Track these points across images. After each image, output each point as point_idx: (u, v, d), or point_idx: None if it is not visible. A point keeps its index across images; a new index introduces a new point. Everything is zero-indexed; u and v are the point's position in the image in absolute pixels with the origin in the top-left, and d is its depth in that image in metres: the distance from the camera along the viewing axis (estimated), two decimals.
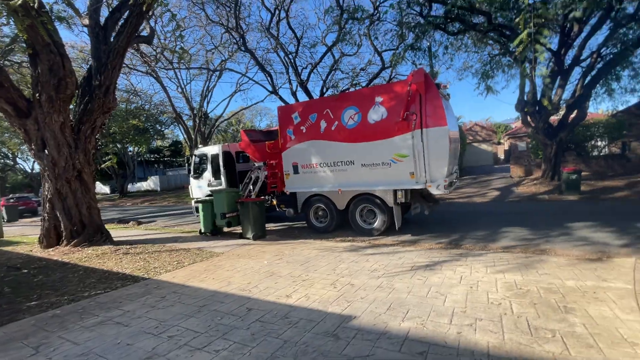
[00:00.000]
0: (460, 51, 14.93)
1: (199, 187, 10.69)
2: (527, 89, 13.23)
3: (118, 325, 3.52)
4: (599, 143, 17.14)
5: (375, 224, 7.48)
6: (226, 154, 10.10)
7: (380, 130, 7.03)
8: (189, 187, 11.41)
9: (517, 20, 6.43)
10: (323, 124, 7.73)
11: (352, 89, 19.99)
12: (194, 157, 10.89)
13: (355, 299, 3.81)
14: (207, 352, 2.83)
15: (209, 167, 10.29)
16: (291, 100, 19.76)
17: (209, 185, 10.29)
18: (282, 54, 18.84)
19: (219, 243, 7.68)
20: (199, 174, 10.64)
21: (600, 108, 26.47)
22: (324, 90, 19.73)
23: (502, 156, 32.66)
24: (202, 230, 8.83)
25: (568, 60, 12.73)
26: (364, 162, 7.32)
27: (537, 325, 2.92)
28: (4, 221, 15.49)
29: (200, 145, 15.42)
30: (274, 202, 9.08)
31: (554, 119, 14.68)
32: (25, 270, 6.27)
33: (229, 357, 2.73)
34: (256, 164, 9.29)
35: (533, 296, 3.54)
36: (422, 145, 6.64)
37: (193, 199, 11.09)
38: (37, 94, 7.15)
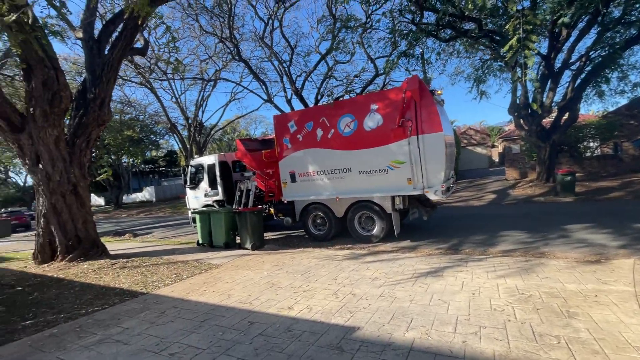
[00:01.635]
0: (452, 57, 15.19)
1: (196, 198, 10.62)
2: (519, 92, 13.45)
3: (117, 344, 3.44)
4: (592, 144, 17.40)
5: (374, 230, 7.48)
6: (222, 164, 10.08)
7: (377, 137, 7.07)
8: (186, 197, 11.33)
9: (507, 26, 6.56)
10: (319, 132, 7.76)
11: (346, 96, 20.15)
12: (189, 167, 10.84)
13: (358, 309, 3.79)
14: None
15: (206, 177, 10.25)
16: (286, 108, 19.84)
17: (206, 195, 10.24)
18: (276, 62, 19.00)
19: (217, 254, 7.60)
20: (195, 184, 10.58)
21: (591, 109, 27.00)
22: (319, 97, 19.86)
23: (496, 159, 32.99)
24: (200, 242, 8.75)
25: (558, 63, 12.97)
26: (361, 169, 7.33)
27: (542, 331, 2.92)
28: None
29: (196, 156, 15.40)
30: (272, 210, 9.05)
31: (547, 121, 14.91)
32: (20, 288, 6.14)
33: None
34: (245, 174, 9.27)
35: (535, 301, 3.54)
36: (418, 151, 6.69)
37: (190, 209, 11.01)
38: (30, 109, 7.10)
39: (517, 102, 13.47)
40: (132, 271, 6.60)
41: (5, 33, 6.16)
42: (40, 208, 7.70)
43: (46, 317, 4.52)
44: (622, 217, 7.64)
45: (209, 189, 10.18)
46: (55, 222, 7.58)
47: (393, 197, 7.11)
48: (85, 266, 7.21)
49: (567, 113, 13.26)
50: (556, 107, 13.63)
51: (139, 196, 36.04)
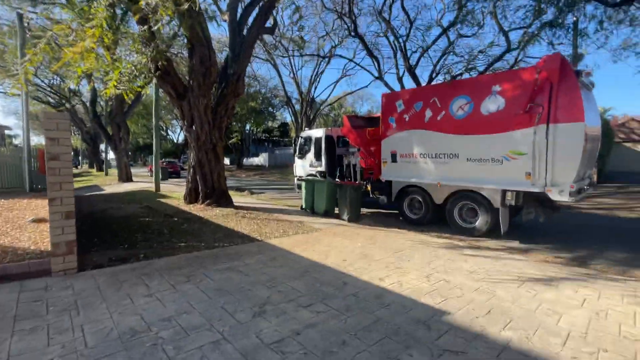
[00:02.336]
0: (621, 26, 11.81)
1: (302, 167, 11.74)
2: None
3: (241, 274, 4.35)
4: None
5: (477, 223, 6.92)
6: (328, 138, 10.75)
7: (495, 122, 6.36)
8: (294, 165, 12.58)
9: None
10: (428, 113, 7.41)
11: (466, 75, 18.16)
12: (300, 138, 11.93)
13: (450, 296, 3.75)
14: (310, 312, 3.29)
15: (312, 148, 11.15)
16: (396, 87, 19.20)
17: (311, 165, 11.21)
18: (391, 37, 18.35)
19: (317, 220, 8.36)
20: (303, 154, 11.65)
21: None
22: (433, 75, 18.51)
23: None
24: (303, 206, 9.71)
25: None
26: (470, 156, 6.77)
27: None
28: (160, 179, 20.10)
29: (306, 128, 16.63)
30: (369, 188, 9.26)
31: None
32: (176, 219, 8.14)
33: (327, 320, 3.11)
34: (350, 149, 9.60)
35: None
36: (546, 142, 5.77)
37: (296, 176, 12.24)
38: (190, 81, 8.92)
39: None
40: (250, 221, 7.91)
41: (179, 19, 7.78)
42: (191, 161, 9.81)
43: (193, 243, 5.95)
44: None
45: (314, 160, 11.09)
46: (200, 172, 9.57)
47: (504, 191, 6.37)
48: (217, 211, 8.98)
49: None
50: None
51: (255, 160, 41.43)
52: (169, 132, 48.77)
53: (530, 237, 6.86)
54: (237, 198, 12.08)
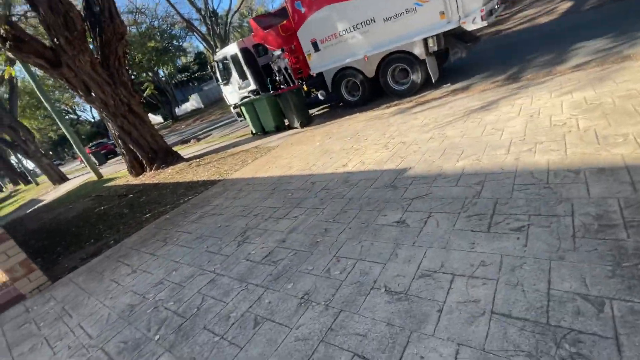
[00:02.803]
0: None
1: (232, 93, 10.62)
2: None
3: (214, 216, 4.31)
4: None
5: (411, 81, 7.02)
6: (244, 51, 9.45)
7: None
8: (223, 95, 11.41)
9: None
10: None
11: None
12: (216, 63, 10.50)
13: (408, 153, 3.95)
14: (288, 219, 3.40)
15: (233, 69, 9.88)
16: None
17: (240, 88, 10.08)
18: None
19: (272, 138, 8.13)
20: (227, 79, 10.42)
21: None
22: None
23: None
24: (254, 132, 9.30)
25: None
26: (385, 15, 6.50)
27: (607, 134, 2.77)
28: (97, 165, 18.23)
29: (217, 50, 14.67)
30: (305, 87, 8.80)
31: None
32: (131, 195, 7.65)
33: (306, 219, 3.25)
34: (275, 54, 8.71)
35: (606, 107, 3.23)
36: None
37: (231, 105, 11.25)
38: (54, 40, 7.17)
39: None
40: (206, 167, 7.57)
41: None
42: (113, 132, 8.71)
43: (158, 209, 5.71)
44: None
45: (240, 81, 9.94)
46: (129, 140, 8.63)
47: (425, 39, 6.32)
48: (169, 170, 8.46)
49: None
50: None
51: (188, 106, 37.76)
52: (79, 113, 42.26)
53: (470, 73, 7.06)
54: (184, 150, 11.35)
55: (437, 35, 6.21)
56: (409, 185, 3.15)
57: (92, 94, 7.86)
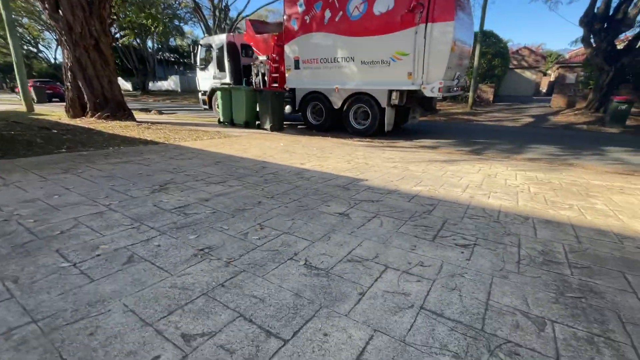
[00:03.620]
0: None
1: (205, 79, 10.37)
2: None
3: (139, 165, 3.69)
4: None
5: (368, 123, 7.39)
6: (231, 45, 9.41)
7: (384, 23, 6.53)
8: (196, 78, 11.06)
9: None
10: (327, 14, 7.21)
11: None
12: (199, 46, 10.28)
13: (368, 171, 3.80)
14: (222, 186, 2.95)
15: (214, 58, 9.72)
16: None
17: (214, 77, 9.91)
18: None
19: (237, 130, 7.70)
20: (205, 65, 10.20)
21: None
22: None
23: (544, 89, 29.80)
24: (221, 120, 8.79)
25: None
26: (363, 59, 6.98)
27: (555, 200, 2.84)
28: (34, 102, 16.00)
29: (205, 35, 14.44)
30: None
31: (620, 40, 12.69)
32: (55, 131, 6.55)
33: (240, 190, 2.83)
34: (260, 58, 8.79)
35: (554, 185, 3.41)
36: (424, 42, 6.19)
37: (200, 91, 10.88)
38: None
39: (596, 11, 11.26)
40: (156, 131, 6.84)
41: None
42: (66, 61, 7.70)
43: (78, 148, 4.86)
44: None
45: (217, 71, 9.79)
46: (81, 77, 7.65)
47: (390, 92, 6.82)
48: (113, 123, 7.52)
49: None
50: None
51: (164, 84, 35.99)
52: (42, 49, 38.22)
53: (438, 139, 7.49)
54: (141, 116, 10.37)
55: (401, 91, 6.74)
56: (362, 191, 2.93)
57: (60, 11, 7.01)
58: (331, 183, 3.17)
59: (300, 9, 7.60)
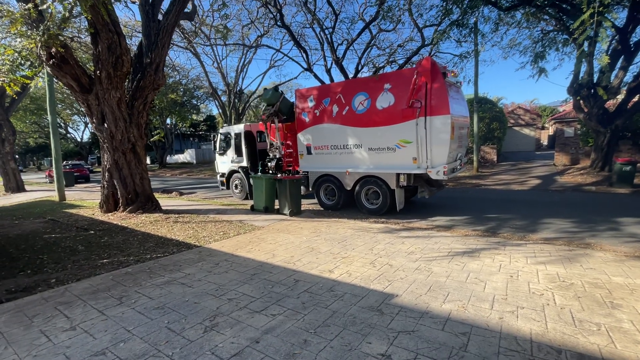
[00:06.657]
0: (510, 27, 13.89)
1: (223, 163, 11.58)
2: (582, 69, 12.19)
3: (183, 286, 3.98)
4: None
5: (379, 204, 7.93)
6: (248, 134, 10.70)
7: (387, 116, 7.36)
8: (215, 162, 12.28)
9: None
10: (335, 109, 8.19)
11: (388, 68, 19.39)
12: (219, 135, 11.70)
13: (395, 278, 4.02)
14: (265, 315, 3.19)
15: (233, 144, 10.98)
16: (325, 78, 19.53)
17: (232, 161, 11.12)
18: (317, 29, 18.49)
19: (258, 217, 8.13)
20: (223, 150, 11.45)
21: None
22: (359, 67, 19.27)
23: (545, 142, 30.71)
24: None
25: (635, 37, 11.50)
26: (371, 146, 7.73)
27: (582, 317, 2.98)
28: (64, 186, 17.12)
29: (225, 124, 15.97)
30: None
31: (611, 103, 13.53)
32: (92, 232, 7.06)
33: (284, 322, 3.06)
34: (275, 144, 9.81)
35: (577, 289, 3.56)
36: (425, 132, 6.90)
37: (218, 173, 12.04)
38: (97, 71, 7.69)
39: (580, 80, 12.27)
40: (184, 226, 7.29)
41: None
42: (105, 163, 8.56)
43: (119, 257, 5.25)
44: None
45: (235, 156, 11.01)
46: (117, 176, 8.43)
47: (398, 175, 7.43)
48: (143, 218, 8.06)
49: (638, 96, 11.92)
50: (625, 89, 12.27)
51: (180, 157, 38.21)
52: (70, 130, 41.74)
53: (452, 215, 7.77)
54: (164, 201, 11.02)
55: (408, 174, 7.39)
56: (396, 315, 3.12)
57: (105, 124, 8.02)
58: (364, 304, 3.38)
59: (310, 104, 8.68)
